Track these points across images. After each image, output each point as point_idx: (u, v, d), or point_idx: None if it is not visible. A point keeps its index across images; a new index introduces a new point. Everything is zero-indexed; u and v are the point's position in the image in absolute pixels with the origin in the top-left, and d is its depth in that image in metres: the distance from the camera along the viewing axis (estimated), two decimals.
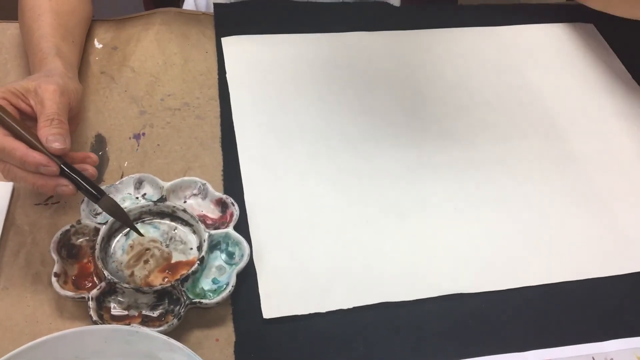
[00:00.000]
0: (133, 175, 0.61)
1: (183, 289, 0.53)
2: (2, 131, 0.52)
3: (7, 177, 0.53)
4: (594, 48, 0.85)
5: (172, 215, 0.59)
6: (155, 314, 0.53)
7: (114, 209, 0.54)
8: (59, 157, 0.52)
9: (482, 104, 0.75)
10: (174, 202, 0.60)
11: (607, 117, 0.75)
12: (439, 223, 0.62)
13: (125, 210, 0.56)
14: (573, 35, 0.87)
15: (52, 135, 0.52)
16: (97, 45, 0.76)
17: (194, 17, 0.81)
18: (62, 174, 0.52)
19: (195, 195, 0.61)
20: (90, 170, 0.54)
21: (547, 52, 0.83)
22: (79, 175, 0.53)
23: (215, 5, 0.83)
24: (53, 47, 0.63)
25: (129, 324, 0.52)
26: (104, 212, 0.59)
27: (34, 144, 0.52)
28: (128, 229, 0.58)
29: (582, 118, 0.75)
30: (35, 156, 0.51)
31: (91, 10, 0.76)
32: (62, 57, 0.63)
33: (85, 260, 0.56)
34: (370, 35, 0.82)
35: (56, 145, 0.51)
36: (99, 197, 0.53)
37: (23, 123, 0.53)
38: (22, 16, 0.69)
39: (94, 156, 0.56)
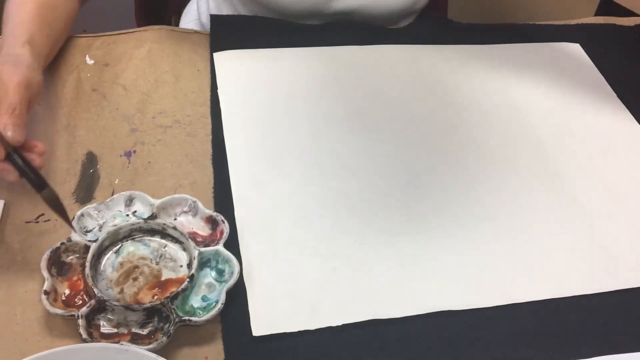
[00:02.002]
0: (124, 193, 0.61)
1: (172, 306, 0.54)
2: None
3: None
4: (581, 68, 0.86)
5: (163, 233, 0.60)
6: (145, 331, 0.53)
7: (55, 203, 0.55)
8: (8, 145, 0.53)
9: (470, 122, 0.76)
10: (164, 220, 0.60)
11: (592, 136, 0.76)
12: (426, 241, 0.63)
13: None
14: (560, 54, 0.88)
15: (10, 125, 0.54)
16: (89, 61, 0.77)
17: (186, 35, 0.82)
18: (9, 159, 0.53)
19: (185, 212, 0.62)
20: (37, 160, 0.56)
21: (535, 71, 0.85)
22: (26, 164, 0.54)
23: (212, 17, 0.84)
24: (26, 34, 0.65)
25: (118, 342, 0.52)
26: (94, 230, 0.59)
27: None
28: (119, 246, 0.58)
29: (568, 137, 0.76)
30: None
31: (75, 9, 0.77)
32: (33, 46, 0.64)
33: (75, 278, 0.56)
34: (361, 49, 0.83)
35: (10, 134, 0.53)
36: (42, 187, 0.54)
37: None
38: (7, 3, 0.70)
39: (41, 146, 0.57)
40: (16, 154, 0.54)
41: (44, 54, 0.67)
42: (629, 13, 0.95)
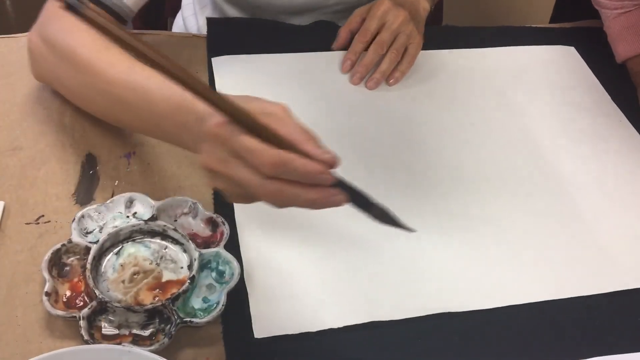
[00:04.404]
0: (124, 194, 0.61)
1: (174, 307, 0.54)
2: (270, 148, 0.45)
3: (280, 201, 0.47)
4: (575, 70, 0.87)
5: (163, 234, 0.60)
6: (146, 333, 0.53)
7: (386, 217, 0.51)
8: None
9: (467, 125, 0.77)
10: (165, 221, 0.60)
11: (587, 138, 0.77)
12: (426, 244, 0.63)
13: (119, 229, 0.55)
14: (555, 57, 0.89)
15: (320, 148, 0.47)
16: None
17: (184, 39, 0.82)
18: (338, 184, 0.48)
19: (185, 214, 0.62)
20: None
21: (530, 74, 0.85)
22: (349, 184, 0.49)
23: (209, 20, 0.85)
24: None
25: (120, 343, 0.52)
26: (94, 231, 0.59)
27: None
28: (119, 248, 0.58)
29: (563, 139, 0.77)
30: (315, 164, 0.46)
31: None
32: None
33: (76, 279, 0.56)
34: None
35: (328, 156, 0.47)
36: (371, 206, 0.50)
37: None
38: (103, 75, 0.58)
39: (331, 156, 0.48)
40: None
41: None
42: (584, 16, 0.96)
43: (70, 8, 0.40)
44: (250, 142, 0.46)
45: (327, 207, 0.48)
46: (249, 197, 0.49)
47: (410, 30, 0.80)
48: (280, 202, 0.48)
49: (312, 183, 0.47)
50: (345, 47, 0.83)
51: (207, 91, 0.45)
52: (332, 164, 0.47)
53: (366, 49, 0.81)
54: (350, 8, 0.89)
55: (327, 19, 0.89)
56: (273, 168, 0.45)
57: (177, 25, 1.01)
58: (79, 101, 0.65)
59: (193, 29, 0.95)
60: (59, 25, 0.62)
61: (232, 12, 0.91)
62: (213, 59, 0.79)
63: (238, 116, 0.46)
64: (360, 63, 0.79)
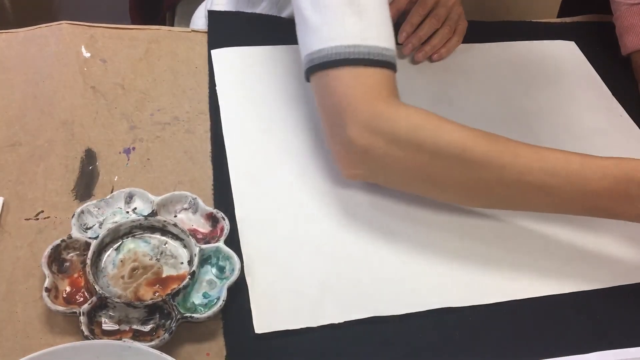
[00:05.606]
0: (123, 190, 0.61)
1: (174, 303, 0.54)
2: None
3: None
4: (576, 65, 0.87)
5: (163, 230, 0.60)
6: (147, 328, 0.53)
7: None
8: None
9: (467, 119, 0.76)
10: (165, 217, 0.60)
11: (587, 133, 0.77)
12: (426, 238, 0.63)
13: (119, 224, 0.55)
14: (555, 52, 0.89)
15: None
16: (85, 54, 0.76)
17: (184, 34, 0.82)
18: None
19: (185, 209, 0.62)
20: None
21: (530, 69, 0.85)
22: None
23: (210, 12, 0.84)
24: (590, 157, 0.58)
25: (120, 339, 0.52)
26: (94, 227, 0.59)
27: None
28: (119, 243, 0.58)
29: (564, 134, 0.77)
30: None
31: None
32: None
33: (76, 275, 0.56)
34: None
35: None
36: None
37: None
38: (511, 167, 0.58)
39: None
40: None
41: None
42: (594, 9, 0.96)
43: None
44: None
45: None
46: None
47: (460, 12, 0.84)
48: None
49: None
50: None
51: None
52: None
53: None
54: None
55: None
56: None
57: (197, 19, 0.99)
58: (457, 196, 0.62)
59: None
60: (417, 123, 0.60)
61: None
62: (212, 51, 0.79)
63: None
64: (414, 35, 0.82)
